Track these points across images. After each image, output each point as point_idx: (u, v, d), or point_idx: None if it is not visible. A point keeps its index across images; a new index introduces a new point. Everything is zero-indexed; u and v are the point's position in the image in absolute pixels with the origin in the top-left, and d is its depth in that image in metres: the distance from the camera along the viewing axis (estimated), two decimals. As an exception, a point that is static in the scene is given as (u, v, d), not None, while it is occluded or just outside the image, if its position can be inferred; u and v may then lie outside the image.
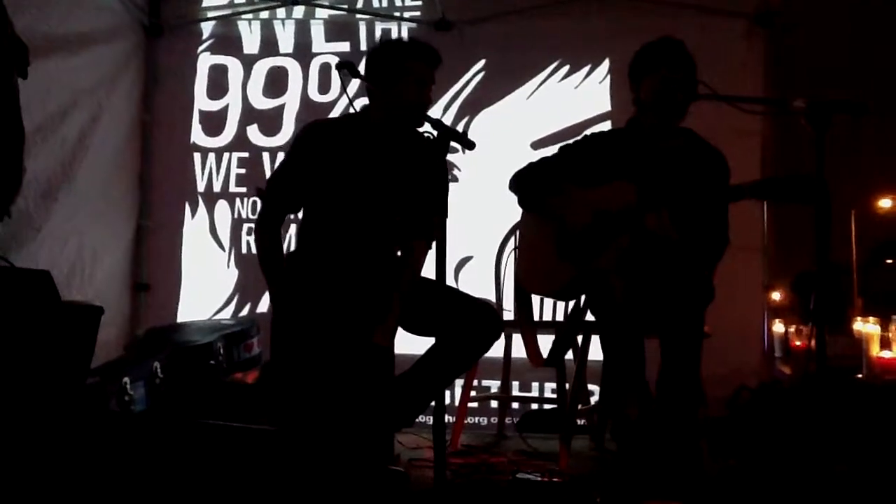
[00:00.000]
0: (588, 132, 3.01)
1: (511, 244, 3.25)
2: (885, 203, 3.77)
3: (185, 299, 4.33)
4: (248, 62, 4.45)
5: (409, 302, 2.59)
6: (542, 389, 3.93)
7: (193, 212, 4.40)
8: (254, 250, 4.23)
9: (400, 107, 2.59)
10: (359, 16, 4.36)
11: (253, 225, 4.27)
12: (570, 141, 2.93)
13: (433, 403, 2.28)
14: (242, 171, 4.37)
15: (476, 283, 3.82)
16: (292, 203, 2.73)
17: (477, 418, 3.95)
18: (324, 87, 4.38)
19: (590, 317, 2.76)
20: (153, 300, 4.35)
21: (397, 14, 4.34)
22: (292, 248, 2.92)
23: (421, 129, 2.61)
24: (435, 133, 2.12)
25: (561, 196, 2.73)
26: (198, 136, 4.42)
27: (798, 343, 3.49)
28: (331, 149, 2.64)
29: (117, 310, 4.13)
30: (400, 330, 2.66)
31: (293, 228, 4.07)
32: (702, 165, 2.67)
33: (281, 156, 4.24)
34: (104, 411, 2.79)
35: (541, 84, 4.18)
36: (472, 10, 4.23)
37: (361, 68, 2.61)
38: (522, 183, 2.85)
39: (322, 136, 2.68)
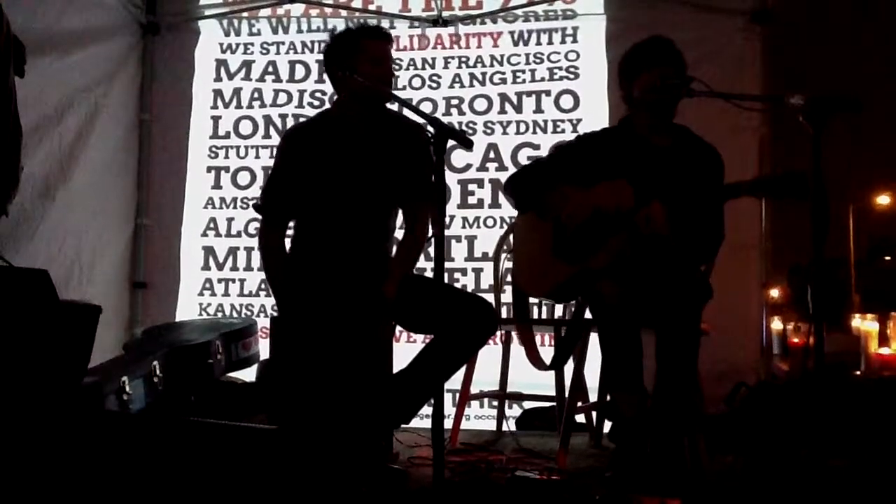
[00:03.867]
0: (580, 133, 3.00)
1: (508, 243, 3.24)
2: (883, 199, 3.76)
3: (183, 298, 4.32)
4: (246, 60, 4.44)
5: (408, 288, 2.58)
6: (540, 387, 3.92)
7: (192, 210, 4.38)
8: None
9: (363, 87, 2.60)
10: (358, 14, 4.36)
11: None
12: (563, 142, 2.93)
13: (432, 401, 2.28)
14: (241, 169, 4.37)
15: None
16: (289, 210, 2.75)
17: (476, 416, 3.94)
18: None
19: (589, 315, 2.76)
20: (151, 299, 4.33)
21: (396, 12, 4.33)
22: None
23: (415, 121, 2.61)
24: (432, 131, 2.11)
25: (558, 195, 2.71)
26: (196, 134, 4.41)
27: (796, 340, 3.49)
28: (314, 149, 2.69)
29: (115, 309, 4.12)
30: (399, 329, 2.66)
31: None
32: (695, 162, 2.67)
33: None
34: (102, 411, 2.78)
35: (539, 80, 4.19)
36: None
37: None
38: (517, 185, 2.84)
39: (303, 138, 2.75)
